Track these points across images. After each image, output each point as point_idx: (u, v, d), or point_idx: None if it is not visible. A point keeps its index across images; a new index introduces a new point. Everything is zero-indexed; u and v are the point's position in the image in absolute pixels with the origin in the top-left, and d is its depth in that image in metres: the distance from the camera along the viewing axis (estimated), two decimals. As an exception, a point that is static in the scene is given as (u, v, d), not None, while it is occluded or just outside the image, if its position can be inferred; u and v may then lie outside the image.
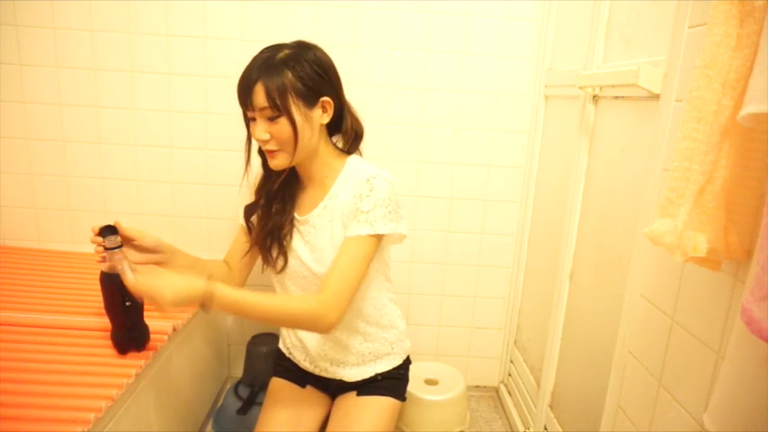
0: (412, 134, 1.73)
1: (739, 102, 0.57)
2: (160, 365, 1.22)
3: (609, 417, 1.03)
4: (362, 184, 1.06)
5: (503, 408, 1.87)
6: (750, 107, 0.52)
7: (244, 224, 1.22)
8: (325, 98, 1.06)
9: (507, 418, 1.80)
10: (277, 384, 1.29)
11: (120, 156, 1.70)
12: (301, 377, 1.28)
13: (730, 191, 0.62)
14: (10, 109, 1.65)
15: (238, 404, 1.54)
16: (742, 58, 0.58)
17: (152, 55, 1.63)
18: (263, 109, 1.00)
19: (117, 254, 1.02)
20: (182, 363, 1.40)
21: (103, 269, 1.04)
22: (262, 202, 1.17)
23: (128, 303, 1.05)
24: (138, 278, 0.93)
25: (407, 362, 1.31)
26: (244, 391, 1.59)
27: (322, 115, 1.07)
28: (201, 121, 1.69)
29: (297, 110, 1.02)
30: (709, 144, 0.62)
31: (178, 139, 1.70)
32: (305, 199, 1.17)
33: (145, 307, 1.09)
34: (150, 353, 1.12)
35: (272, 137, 1.03)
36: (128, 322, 1.09)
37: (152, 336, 1.16)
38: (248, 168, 1.17)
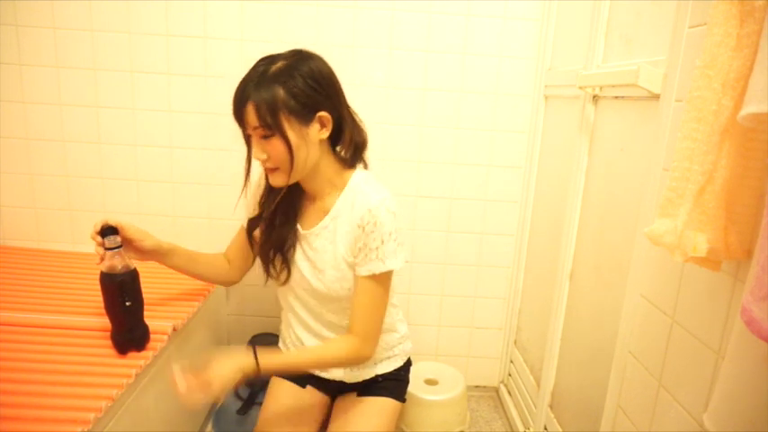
0: (412, 134, 1.73)
1: (739, 102, 0.57)
2: (160, 365, 1.22)
3: (609, 417, 1.03)
4: (365, 214, 1.03)
5: (503, 408, 1.87)
6: (750, 107, 0.52)
7: (245, 229, 1.21)
8: (322, 113, 1.01)
9: (507, 418, 1.80)
10: (277, 384, 1.28)
11: (120, 156, 1.70)
12: (301, 377, 1.27)
13: (730, 191, 0.62)
14: (10, 109, 1.65)
15: (238, 404, 1.54)
16: (742, 58, 0.58)
17: (152, 55, 1.63)
18: (255, 128, 0.97)
19: (116, 254, 1.02)
20: (182, 363, 1.39)
21: (103, 269, 1.04)
22: (265, 214, 1.14)
23: (128, 303, 1.05)
24: (187, 387, 0.95)
25: (408, 363, 1.31)
26: (244, 391, 1.58)
27: (320, 131, 1.02)
28: (201, 121, 1.69)
29: (290, 128, 0.97)
30: (709, 144, 0.62)
31: (178, 139, 1.70)
32: (309, 212, 1.14)
33: (144, 307, 1.10)
34: (150, 353, 1.12)
35: (268, 155, 1.00)
36: (128, 322, 1.09)
37: (152, 336, 1.16)
38: (247, 184, 1.12)
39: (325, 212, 1.10)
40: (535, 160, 1.70)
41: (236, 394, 1.58)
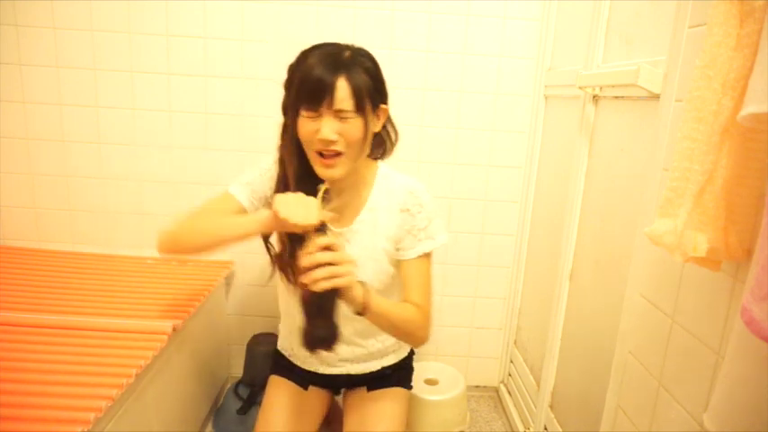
0: (412, 134, 1.73)
1: (739, 102, 0.57)
2: (160, 365, 1.22)
3: (609, 417, 1.03)
4: (408, 197, 1.06)
5: (503, 408, 1.87)
6: (750, 107, 0.52)
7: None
8: (384, 105, 1.03)
9: (507, 418, 1.80)
10: (276, 383, 1.23)
11: (120, 156, 1.70)
12: (303, 377, 1.23)
13: (730, 191, 0.62)
14: (10, 109, 1.65)
15: (238, 404, 1.54)
16: (742, 58, 0.58)
17: (152, 55, 1.63)
18: (341, 104, 0.92)
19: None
20: (182, 363, 1.40)
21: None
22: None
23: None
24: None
25: (412, 352, 1.31)
26: (244, 391, 1.59)
27: (377, 122, 1.03)
28: (201, 121, 1.69)
29: (369, 111, 0.97)
30: (710, 144, 0.62)
31: (178, 138, 1.70)
32: (338, 209, 1.02)
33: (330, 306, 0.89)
34: (150, 353, 1.12)
35: (341, 137, 0.94)
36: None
37: (152, 336, 1.15)
38: (290, 174, 1.00)
39: (360, 206, 1.08)
40: (535, 160, 1.70)
41: (237, 394, 1.58)
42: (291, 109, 0.98)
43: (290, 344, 1.24)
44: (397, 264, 1.11)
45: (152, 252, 1.75)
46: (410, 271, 1.08)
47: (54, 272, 1.55)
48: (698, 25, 0.80)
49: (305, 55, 0.97)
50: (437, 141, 1.74)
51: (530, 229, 1.76)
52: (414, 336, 1.06)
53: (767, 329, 0.50)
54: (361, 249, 1.07)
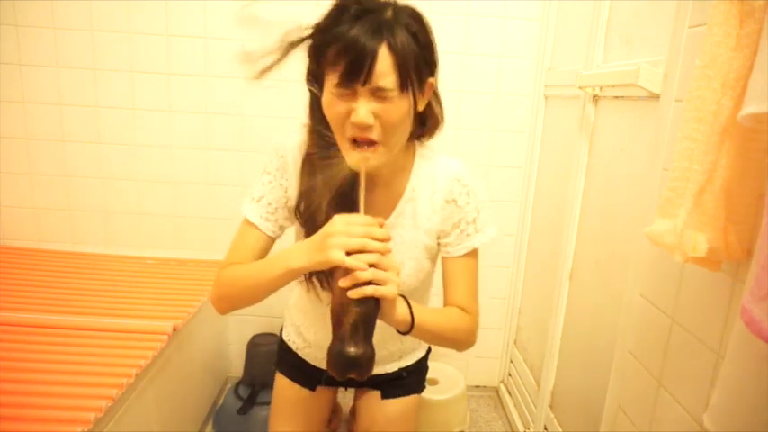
0: (412, 134, 1.72)
1: (739, 102, 0.57)
2: (160, 365, 1.22)
3: (609, 417, 1.03)
4: (454, 186, 0.89)
5: (503, 408, 1.87)
6: (750, 107, 0.52)
7: (263, 232, 0.92)
8: (432, 79, 0.82)
9: (507, 418, 1.80)
10: (282, 387, 1.12)
11: (120, 156, 1.70)
12: (311, 376, 1.10)
13: (730, 191, 0.62)
14: (10, 109, 1.65)
15: (238, 404, 1.54)
16: (742, 58, 0.58)
17: (152, 55, 1.63)
18: (379, 87, 0.73)
19: None
20: (182, 363, 1.39)
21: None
22: (305, 216, 0.87)
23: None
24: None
25: (428, 350, 1.19)
26: (244, 391, 1.58)
27: (422, 100, 0.83)
28: (201, 121, 1.69)
29: (415, 88, 0.78)
30: (709, 144, 0.62)
31: (178, 138, 1.70)
32: (370, 202, 0.84)
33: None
34: (150, 353, 1.12)
35: (379, 121, 0.75)
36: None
37: (152, 336, 1.16)
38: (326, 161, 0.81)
39: (398, 196, 0.91)
40: (535, 160, 1.70)
41: (237, 394, 1.58)
42: (317, 80, 0.79)
43: (305, 339, 1.08)
44: (434, 259, 0.99)
45: (152, 252, 1.76)
46: (455, 269, 0.96)
47: (54, 272, 1.55)
48: (698, 25, 0.80)
49: (336, 11, 0.76)
50: (437, 141, 1.73)
51: (530, 228, 1.76)
52: (461, 343, 0.97)
53: (767, 329, 0.50)
54: (399, 246, 0.91)
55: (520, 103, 1.71)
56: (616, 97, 1.15)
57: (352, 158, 0.78)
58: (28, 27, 1.59)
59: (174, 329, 1.24)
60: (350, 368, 0.69)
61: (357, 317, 0.69)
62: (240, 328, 1.86)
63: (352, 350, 0.68)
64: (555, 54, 1.60)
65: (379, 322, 0.75)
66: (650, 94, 0.93)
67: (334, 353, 0.69)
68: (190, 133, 1.70)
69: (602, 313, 1.18)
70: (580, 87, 1.24)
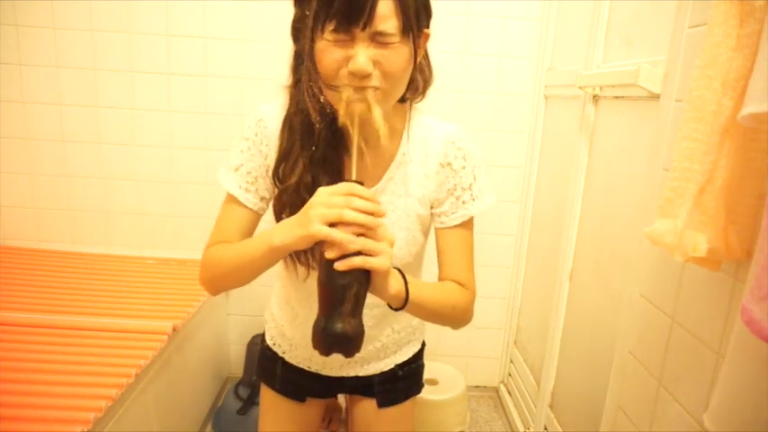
0: (412, 134, 1.72)
1: (739, 102, 0.57)
2: (160, 365, 1.22)
3: (609, 417, 1.03)
4: (449, 148, 0.83)
5: (503, 408, 1.87)
6: (750, 107, 0.52)
7: (251, 207, 0.86)
8: (428, 30, 0.78)
9: (507, 418, 1.80)
10: (269, 402, 1.03)
11: (120, 156, 1.70)
12: (298, 385, 1.01)
13: (730, 191, 0.62)
14: (10, 109, 1.65)
15: (238, 404, 1.54)
16: (742, 58, 0.58)
17: (152, 55, 1.63)
18: (380, 32, 0.68)
19: None
20: (182, 363, 1.40)
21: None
22: (292, 179, 0.79)
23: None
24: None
25: (423, 345, 1.11)
26: (244, 391, 1.58)
27: (420, 51, 0.77)
28: (201, 121, 1.69)
29: (416, 35, 0.73)
30: (710, 144, 0.62)
31: (178, 139, 1.70)
32: (358, 167, 0.75)
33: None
34: (150, 353, 1.12)
35: (379, 69, 0.70)
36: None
37: (152, 336, 1.16)
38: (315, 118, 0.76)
39: (388, 161, 0.84)
40: (535, 160, 1.70)
41: (237, 394, 1.58)
42: (308, 30, 0.74)
43: (290, 339, 1.00)
44: (426, 233, 0.93)
45: (152, 252, 1.76)
46: (450, 240, 0.90)
47: (54, 272, 1.55)
48: (698, 25, 0.80)
49: None
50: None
51: (530, 228, 1.76)
52: (458, 320, 0.91)
53: (767, 329, 0.50)
54: (389, 215, 0.84)
55: (520, 103, 1.71)
56: (616, 97, 1.15)
57: (348, 108, 0.71)
58: (28, 27, 1.59)
59: (174, 329, 1.24)
60: (336, 345, 0.64)
61: (343, 290, 0.63)
62: (240, 328, 1.86)
63: (338, 325, 0.63)
64: (555, 54, 1.60)
65: (368, 305, 0.70)
66: (650, 94, 0.93)
67: (319, 328, 0.64)
68: (190, 133, 1.70)
69: (602, 313, 1.18)
70: (580, 87, 1.24)
